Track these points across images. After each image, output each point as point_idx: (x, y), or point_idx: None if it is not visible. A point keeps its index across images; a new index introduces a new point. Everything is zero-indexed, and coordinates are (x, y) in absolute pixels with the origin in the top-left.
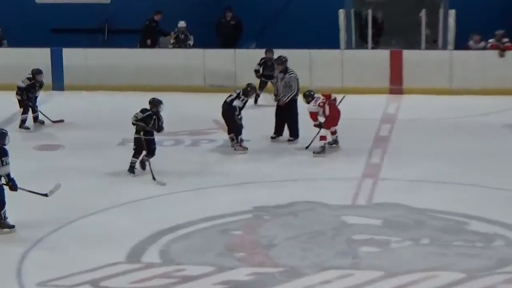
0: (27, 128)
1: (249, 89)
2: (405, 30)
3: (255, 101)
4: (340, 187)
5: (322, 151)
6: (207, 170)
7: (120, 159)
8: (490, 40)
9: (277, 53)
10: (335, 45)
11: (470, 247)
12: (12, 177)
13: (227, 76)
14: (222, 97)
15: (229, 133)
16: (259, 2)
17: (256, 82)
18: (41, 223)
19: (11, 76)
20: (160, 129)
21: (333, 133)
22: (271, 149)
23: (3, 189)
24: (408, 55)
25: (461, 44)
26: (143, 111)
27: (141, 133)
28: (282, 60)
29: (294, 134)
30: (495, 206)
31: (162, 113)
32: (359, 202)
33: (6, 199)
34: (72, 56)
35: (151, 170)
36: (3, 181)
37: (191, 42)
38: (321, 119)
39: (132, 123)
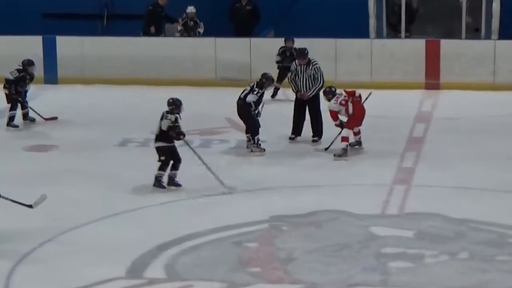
0: (16, 126)
1: (264, 80)
2: (443, 17)
3: (273, 95)
4: (368, 194)
5: (344, 153)
6: (218, 174)
7: (120, 161)
8: None
9: (298, 43)
10: (363, 33)
11: None
12: None
13: (241, 68)
14: (235, 92)
15: (246, 132)
16: None
17: (273, 73)
18: (31, 234)
19: None
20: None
21: (356, 133)
22: (290, 151)
23: None
24: (446, 45)
25: (506, 33)
26: (170, 112)
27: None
28: (306, 53)
29: (319, 133)
30: None
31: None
32: (390, 211)
33: None
34: (66, 45)
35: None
36: None
37: (201, 30)
38: (343, 118)
39: (168, 128)
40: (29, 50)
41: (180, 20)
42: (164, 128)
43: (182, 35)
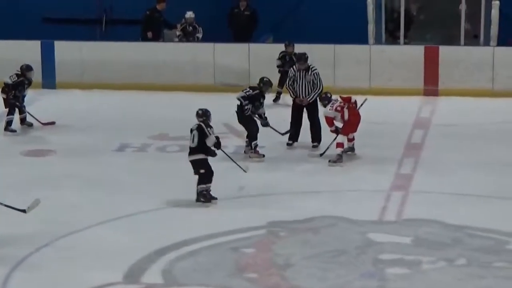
0: (14, 131)
1: (261, 84)
2: (442, 23)
3: (276, 99)
4: (366, 200)
5: (338, 159)
6: (216, 180)
7: (117, 166)
8: None
9: (297, 48)
10: (362, 39)
11: (511, 269)
12: None
13: (240, 74)
14: (234, 98)
15: (246, 137)
16: None
17: (273, 77)
18: (28, 239)
19: None
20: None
21: (350, 140)
22: (288, 157)
23: None
24: (445, 51)
25: (505, 40)
26: (205, 124)
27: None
28: (306, 57)
29: (318, 138)
30: None
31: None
32: (388, 218)
33: None
34: (65, 49)
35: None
36: None
37: (200, 35)
38: (339, 124)
39: (216, 144)
40: (27, 54)
41: (178, 25)
42: (211, 144)
43: (180, 40)
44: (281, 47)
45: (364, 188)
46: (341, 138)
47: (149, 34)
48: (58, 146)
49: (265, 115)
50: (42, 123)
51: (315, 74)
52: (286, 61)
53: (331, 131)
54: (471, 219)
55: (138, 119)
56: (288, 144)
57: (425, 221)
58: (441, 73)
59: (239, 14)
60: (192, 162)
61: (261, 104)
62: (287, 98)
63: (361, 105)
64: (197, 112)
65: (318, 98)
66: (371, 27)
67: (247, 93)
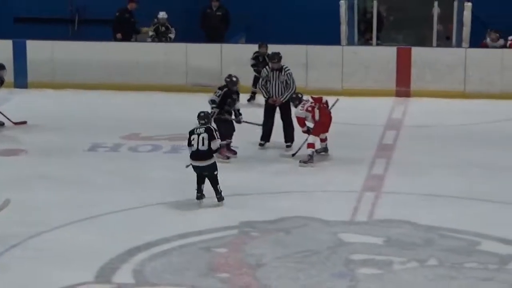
0: None
1: (225, 83)
2: (415, 24)
3: (249, 99)
4: (338, 200)
5: (309, 160)
6: (188, 180)
7: (89, 166)
8: (510, 37)
9: (269, 49)
10: (335, 41)
11: (482, 270)
12: None
13: (212, 74)
14: (206, 98)
15: None
16: None
17: (246, 77)
18: None
19: None
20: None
21: (323, 140)
22: (260, 157)
23: None
24: (417, 53)
25: (477, 41)
26: (205, 126)
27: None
28: (279, 57)
29: (291, 138)
30: (511, 224)
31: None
32: (359, 218)
33: None
34: (37, 49)
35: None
36: None
37: (172, 36)
38: (310, 124)
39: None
40: None
41: (144, 29)
42: (215, 148)
43: (153, 41)
44: (253, 47)
45: (335, 189)
46: (312, 139)
47: (119, 36)
48: (29, 145)
49: (240, 111)
50: (14, 123)
51: (288, 75)
52: (259, 61)
53: (303, 131)
54: (443, 220)
55: (110, 119)
56: (260, 145)
57: (396, 222)
58: (413, 74)
59: (211, 14)
60: (207, 167)
61: (234, 100)
62: (259, 99)
63: (333, 105)
64: (199, 115)
65: (289, 99)
66: (343, 28)
67: (217, 95)
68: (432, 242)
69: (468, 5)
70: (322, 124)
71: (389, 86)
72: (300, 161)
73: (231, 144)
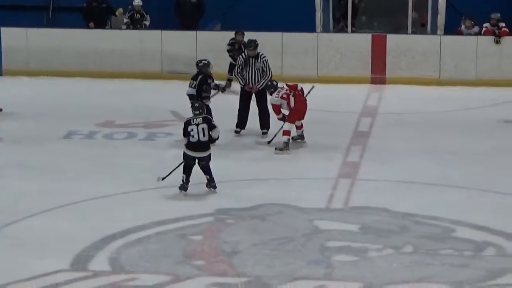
0: None
1: (200, 70)
2: (390, 12)
3: (225, 86)
4: (313, 188)
5: (285, 147)
6: (163, 167)
7: (65, 154)
8: (485, 25)
9: (245, 36)
10: (310, 28)
11: (457, 256)
12: None
13: (187, 61)
14: (181, 85)
15: None
16: None
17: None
18: None
19: None
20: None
21: (299, 127)
22: (235, 144)
23: None
24: (392, 40)
25: (452, 28)
26: (202, 116)
27: None
28: (256, 44)
29: (267, 125)
30: (486, 211)
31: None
32: (335, 205)
33: None
34: (11, 36)
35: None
36: None
37: (147, 23)
38: (285, 111)
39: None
40: None
41: (119, 10)
42: (216, 136)
43: (128, 28)
44: (229, 34)
45: (311, 176)
46: (287, 126)
47: (91, 25)
48: (4, 133)
49: (217, 84)
50: None
51: (265, 62)
52: (235, 48)
53: (278, 119)
54: (418, 207)
55: (85, 106)
56: (236, 132)
57: (372, 209)
58: (388, 61)
59: (185, 2)
60: (206, 157)
61: (210, 84)
62: (234, 86)
63: (308, 92)
64: (194, 106)
65: (265, 86)
66: (318, 15)
67: (193, 86)
68: (408, 229)
69: None
70: (298, 111)
71: (364, 73)
72: (275, 149)
73: None
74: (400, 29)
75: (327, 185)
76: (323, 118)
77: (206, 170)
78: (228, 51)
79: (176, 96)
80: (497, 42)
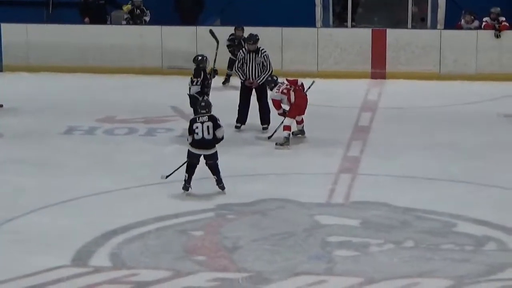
0: None
1: (200, 64)
2: (390, 6)
3: (224, 82)
4: (314, 183)
5: (285, 142)
6: (163, 163)
7: (65, 150)
8: (485, 19)
9: (245, 31)
10: (310, 22)
11: (458, 251)
12: None
13: (187, 57)
14: (181, 81)
15: None
16: None
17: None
18: None
19: None
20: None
21: (299, 122)
22: (236, 140)
23: None
24: (392, 34)
25: (452, 23)
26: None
27: None
28: (256, 39)
29: (268, 120)
30: (487, 205)
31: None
32: (335, 200)
33: None
34: (11, 32)
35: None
36: None
37: (147, 18)
38: (286, 107)
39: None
40: None
41: (128, 5)
42: (220, 135)
43: (128, 23)
44: (228, 30)
45: (312, 171)
46: (288, 121)
47: (86, 20)
48: (4, 129)
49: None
50: None
51: (265, 56)
52: (235, 44)
53: (279, 114)
54: (419, 201)
55: (86, 102)
56: (236, 127)
57: (373, 204)
58: (388, 56)
59: None
60: (211, 155)
61: (209, 80)
62: (234, 81)
63: (309, 87)
64: (201, 105)
65: (265, 81)
66: (318, 10)
67: (197, 83)
68: (408, 224)
69: None
70: (298, 106)
71: (364, 68)
72: (276, 144)
73: None
74: (400, 23)
75: (328, 180)
76: (323, 113)
77: (214, 170)
78: (228, 46)
79: (177, 92)
80: (497, 36)
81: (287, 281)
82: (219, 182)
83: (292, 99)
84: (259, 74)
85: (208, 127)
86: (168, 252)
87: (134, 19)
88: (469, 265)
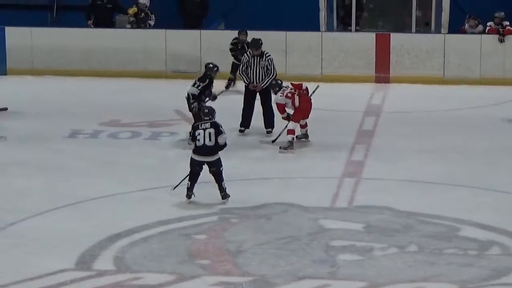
0: None
1: (208, 72)
2: (394, 10)
3: (227, 86)
4: (318, 187)
5: (289, 146)
6: (167, 167)
7: (69, 153)
8: (489, 24)
9: (249, 35)
10: (314, 26)
11: (462, 256)
12: None
13: (191, 61)
14: (185, 84)
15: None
16: None
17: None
18: None
19: None
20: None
21: (303, 126)
22: (240, 143)
23: None
24: (396, 39)
25: (456, 27)
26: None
27: None
28: (260, 44)
29: (272, 124)
30: (491, 210)
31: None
32: (339, 204)
33: None
34: (16, 35)
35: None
36: None
37: (152, 22)
38: (290, 111)
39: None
40: None
41: (134, 8)
42: (222, 142)
43: (132, 27)
44: (232, 34)
45: (316, 175)
46: (292, 125)
47: (90, 23)
48: (8, 132)
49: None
50: None
51: (269, 60)
52: (238, 48)
53: (283, 118)
54: (423, 205)
55: (90, 106)
56: (240, 131)
57: (376, 208)
58: (392, 60)
59: (189, 1)
60: (214, 162)
61: (211, 91)
62: (238, 85)
63: (313, 92)
64: (204, 111)
65: (269, 85)
66: (322, 14)
67: (199, 87)
68: (412, 228)
69: None
70: (302, 110)
71: (368, 72)
72: (280, 148)
73: None
74: (404, 27)
75: (332, 184)
76: (327, 117)
77: (217, 178)
78: (230, 50)
79: (180, 95)
80: (501, 41)
81: (290, 285)
82: (222, 190)
83: (297, 103)
84: (263, 78)
85: (210, 133)
86: (172, 256)
87: (139, 22)
88: (473, 269)
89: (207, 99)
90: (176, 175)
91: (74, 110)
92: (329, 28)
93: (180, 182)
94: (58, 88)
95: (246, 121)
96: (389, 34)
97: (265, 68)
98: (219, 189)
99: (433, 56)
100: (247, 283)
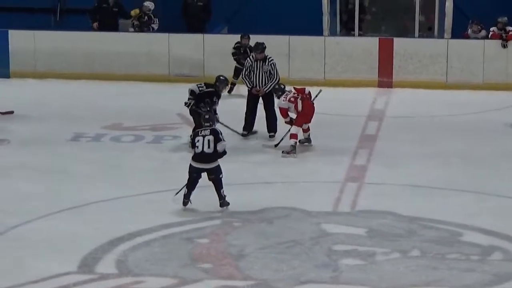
0: None
1: (217, 83)
2: (397, 15)
3: (230, 90)
4: (320, 191)
5: (292, 150)
6: (170, 170)
7: (72, 156)
8: (492, 29)
9: (252, 39)
10: (317, 31)
11: (464, 261)
12: None
13: (194, 65)
14: (188, 88)
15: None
16: None
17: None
18: None
19: None
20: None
21: (305, 130)
22: (242, 147)
23: None
24: (399, 43)
25: (459, 32)
26: (211, 129)
27: None
28: (263, 48)
29: (275, 128)
30: (493, 215)
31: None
32: (342, 209)
33: None
34: (19, 38)
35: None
36: None
37: (155, 26)
38: (293, 115)
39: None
40: None
41: (136, 10)
42: (222, 149)
43: (135, 31)
44: (235, 38)
45: (318, 179)
46: (295, 129)
47: (95, 25)
48: (11, 135)
49: (216, 111)
50: (1, 113)
51: (272, 65)
52: (240, 52)
53: (286, 122)
54: (425, 210)
55: (92, 109)
56: (243, 135)
57: (379, 213)
58: (395, 65)
59: (192, 4)
60: (213, 169)
61: (214, 103)
62: (241, 89)
63: (316, 96)
64: (204, 118)
65: (272, 90)
66: (325, 19)
67: (200, 88)
68: (415, 233)
69: None
70: (305, 114)
71: (371, 76)
72: (282, 152)
73: None
74: (407, 32)
75: (334, 189)
76: (330, 122)
77: (216, 186)
78: (233, 54)
79: (184, 99)
80: (504, 46)
81: None
82: (220, 198)
83: (299, 107)
84: (266, 82)
85: (209, 140)
86: (174, 259)
87: (142, 25)
88: (475, 274)
89: (207, 116)
90: (178, 179)
91: (77, 114)
92: (332, 33)
93: (182, 188)
94: (61, 92)
95: (248, 125)
96: (392, 39)
97: (268, 72)
98: (218, 196)
99: (436, 61)
100: (249, 287)
